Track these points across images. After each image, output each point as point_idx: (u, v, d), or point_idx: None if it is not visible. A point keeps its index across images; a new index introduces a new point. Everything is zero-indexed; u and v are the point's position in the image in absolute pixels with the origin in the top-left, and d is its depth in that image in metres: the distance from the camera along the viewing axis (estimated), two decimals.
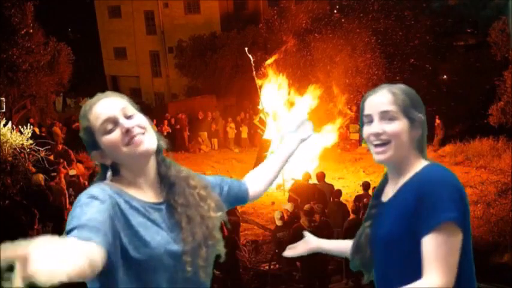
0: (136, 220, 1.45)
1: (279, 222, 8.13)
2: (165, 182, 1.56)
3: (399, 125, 1.60)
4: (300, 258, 7.33)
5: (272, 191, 13.12)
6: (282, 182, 12.94)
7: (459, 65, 18.36)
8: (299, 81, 16.07)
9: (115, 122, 1.47)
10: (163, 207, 1.53)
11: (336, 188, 10.11)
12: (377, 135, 1.61)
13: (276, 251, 8.45)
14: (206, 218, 1.55)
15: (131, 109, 1.52)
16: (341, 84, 16.77)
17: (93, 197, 1.39)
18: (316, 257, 7.38)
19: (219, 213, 1.60)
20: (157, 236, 1.46)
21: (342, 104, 16.37)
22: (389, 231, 1.59)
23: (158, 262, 1.43)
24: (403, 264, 1.56)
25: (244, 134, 17.89)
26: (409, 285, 1.44)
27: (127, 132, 1.46)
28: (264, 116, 14.33)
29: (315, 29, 18.60)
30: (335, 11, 21.58)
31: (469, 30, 23.55)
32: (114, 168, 1.53)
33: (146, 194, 1.53)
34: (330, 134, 14.89)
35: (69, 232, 1.28)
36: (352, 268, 1.80)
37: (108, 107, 1.49)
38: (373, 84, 17.03)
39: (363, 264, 1.75)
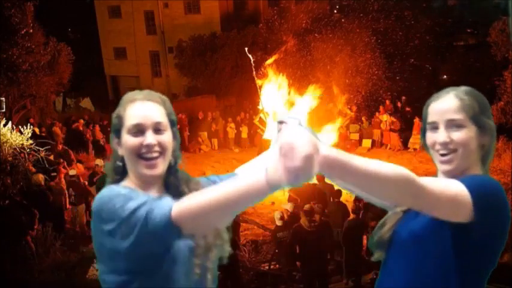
0: None
1: (279, 222, 8.13)
2: (171, 190, 1.55)
3: (467, 133, 1.51)
4: (300, 258, 7.37)
5: None
6: None
7: (459, 65, 18.36)
8: (299, 81, 16.07)
9: (142, 131, 1.49)
10: None
11: (336, 188, 10.10)
12: (444, 144, 1.53)
13: (276, 251, 8.46)
14: None
15: (164, 124, 1.52)
16: (341, 84, 16.77)
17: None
18: (316, 257, 7.40)
19: None
20: None
21: (342, 104, 16.38)
22: (413, 228, 1.53)
23: (179, 254, 1.44)
24: (413, 264, 1.53)
25: (244, 134, 17.88)
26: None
27: (146, 146, 1.48)
28: (264, 116, 14.32)
29: (315, 29, 18.61)
30: (335, 11, 21.64)
31: (469, 30, 23.55)
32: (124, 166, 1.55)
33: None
34: (330, 134, 14.87)
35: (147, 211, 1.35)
36: (369, 246, 1.69)
37: (145, 113, 1.50)
38: (373, 84, 17.30)
39: (378, 244, 1.64)
